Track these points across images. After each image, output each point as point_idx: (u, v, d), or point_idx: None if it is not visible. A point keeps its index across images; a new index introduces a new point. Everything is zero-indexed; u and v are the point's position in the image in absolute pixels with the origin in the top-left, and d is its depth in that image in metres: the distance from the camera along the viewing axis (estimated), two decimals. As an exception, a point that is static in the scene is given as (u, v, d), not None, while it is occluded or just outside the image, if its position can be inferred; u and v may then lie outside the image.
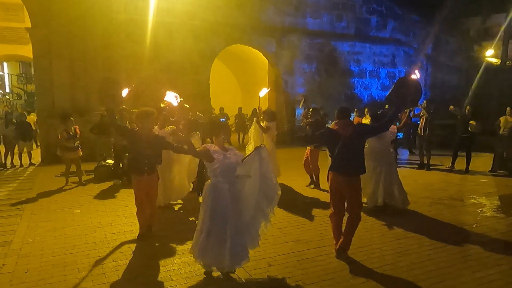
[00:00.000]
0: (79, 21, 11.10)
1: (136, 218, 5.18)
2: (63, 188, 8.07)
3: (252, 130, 7.95)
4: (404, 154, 12.40)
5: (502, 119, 9.40)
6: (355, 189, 4.45)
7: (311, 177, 8.08)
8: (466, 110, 9.81)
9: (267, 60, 15.56)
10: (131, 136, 5.06)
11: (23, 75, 26.63)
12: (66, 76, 11.39)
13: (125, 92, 7.02)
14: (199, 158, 5.02)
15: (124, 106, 8.23)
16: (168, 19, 12.74)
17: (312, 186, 8.01)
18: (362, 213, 4.62)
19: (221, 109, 14.47)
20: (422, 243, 4.91)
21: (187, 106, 9.25)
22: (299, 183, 8.35)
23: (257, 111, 8.55)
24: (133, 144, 4.97)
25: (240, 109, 15.37)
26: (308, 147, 7.94)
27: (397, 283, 3.87)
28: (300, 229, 5.45)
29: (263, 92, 8.04)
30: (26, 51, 15.35)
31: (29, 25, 11.50)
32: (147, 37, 12.09)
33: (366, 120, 10.92)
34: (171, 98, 5.13)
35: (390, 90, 4.57)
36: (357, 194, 4.51)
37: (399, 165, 10.20)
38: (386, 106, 10.01)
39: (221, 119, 14.04)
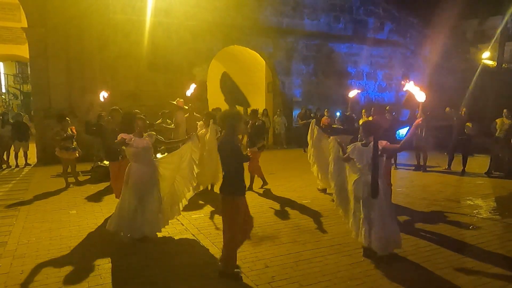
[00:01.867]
0: (76, 21, 11.08)
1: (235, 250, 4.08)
2: (61, 189, 8.03)
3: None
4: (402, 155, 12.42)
5: (498, 121, 9.45)
6: (389, 170, 5.67)
7: (262, 179, 7.99)
8: (463, 112, 9.85)
9: (264, 61, 15.56)
10: (234, 146, 3.98)
11: (20, 75, 26.54)
12: (63, 76, 11.36)
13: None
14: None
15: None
16: (166, 19, 12.71)
17: (265, 186, 7.98)
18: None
19: (219, 110, 14.46)
20: (418, 244, 4.91)
21: (186, 107, 9.26)
22: (295, 184, 8.37)
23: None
24: (235, 156, 3.95)
25: (219, 110, 15.22)
26: (249, 150, 7.70)
27: (393, 284, 3.87)
28: (297, 230, 5.45)
29: (191, 89, 7.71)
30: (23, 51, 15.30)
31: (25, 24, 11.47)
32: (144, 37, 12.06)
33: (361, 121, 10.94)
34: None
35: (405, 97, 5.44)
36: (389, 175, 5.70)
37: (397, 167, 10.22)
38: (387, 108, 10.00)
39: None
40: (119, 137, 4.86)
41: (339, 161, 4.89)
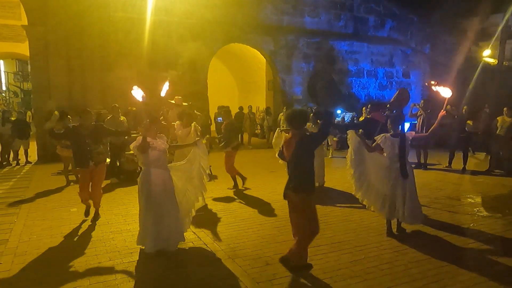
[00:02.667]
0: (76, 19, 11.06)
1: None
2: (62, 187, 8.04)
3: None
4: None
5: (499, 119, 9.42)
6: None
7: (234, 179, 7.89)
8: (463, 110, 9.84)
9: (264, 59, 15.55)
10: (311, 144, 4.14)
11: (20, 73, 26.55)
12: (63, 74, 11.35)
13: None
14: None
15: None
16: (166, 17, 12.71)
17: (234, 188, 7.80)
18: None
19: (219, 108, 14.44)
20: (418, 242, 4.92)
21: (186, 104, 9.25)
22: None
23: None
24: (311, 154, 4.10)
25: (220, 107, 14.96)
26: (224, 151, 7.76)
27: (394, 282, 3.87)
28: (298, 228, 5.44)
29: (165, 88, 7.32)
30: (23, 49, 15.31)
31: (25, 22, 11.45)
32: (144, 35, 12.04)
33: (361, 118, 11.01)
34: None
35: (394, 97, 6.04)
36: None
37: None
38: (388, 105, 10.06)
39: (218, 118, 14.03)
40: (144, 140, 4.37)
41: (359, 151, 5.29)
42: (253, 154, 12.65)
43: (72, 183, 8.27)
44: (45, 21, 10.99)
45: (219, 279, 3.96)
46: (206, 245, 4.85)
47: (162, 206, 4.50)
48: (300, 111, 4.17)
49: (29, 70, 16.14)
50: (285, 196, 4.14)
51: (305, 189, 4.01)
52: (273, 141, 7.86)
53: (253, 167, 10.24)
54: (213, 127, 13.91)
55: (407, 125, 12.69)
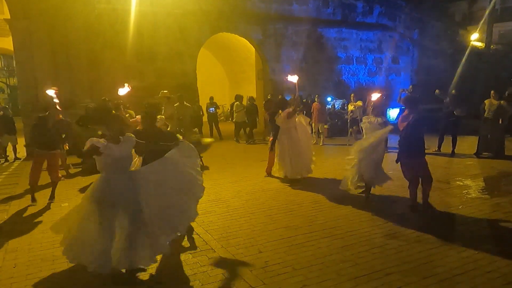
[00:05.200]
0: (60, 11, 10.85)
1: None
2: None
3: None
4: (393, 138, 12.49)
5: (487, 102, 9.51)
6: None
7: None
8: (452, 94, 9.91)
9: (253, 48, 15.44)
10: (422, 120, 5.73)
11: (5, 68, 26.06)
12: (49, 68, 11.15)
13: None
14: None
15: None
16: (152, 8, 12.51)
17: None
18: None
19: (211, 98, 14.35)
20: (409, 225, 4.98)
21: (171, 96, 9.19)
22: (288, 170, 8.38)
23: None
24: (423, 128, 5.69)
25: (211, 98, 14.47)
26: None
27: (385, 265, 3.93)
28: (290, 216, 5.49)
29: (125, 90, 7.24)
30: (7, 43, 14.98)
31: (8, 16, 11.20)
32: (130, 27, 11.87)
33: (351, 107, 11.00)
34: None
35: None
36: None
37: (388, 150, 10.28)
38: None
39: (210, 109, 13.94)
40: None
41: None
42: (246, 145, 12.63)
43: (62, 178, 8.19)
44: (28, 15, 10.74)
45: (212, 268, 3.98)
46: (198, 235, 4.86)
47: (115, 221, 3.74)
48: (412, 97, 5.80)
49: (14, 65, 15.82)
50: (400, 160, 5.53)
51: (422, 154, 5.43)
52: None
53: (244, 157, 10.25)
54: (205, 118, 13.82)
55: (397, 110, 12.82)
